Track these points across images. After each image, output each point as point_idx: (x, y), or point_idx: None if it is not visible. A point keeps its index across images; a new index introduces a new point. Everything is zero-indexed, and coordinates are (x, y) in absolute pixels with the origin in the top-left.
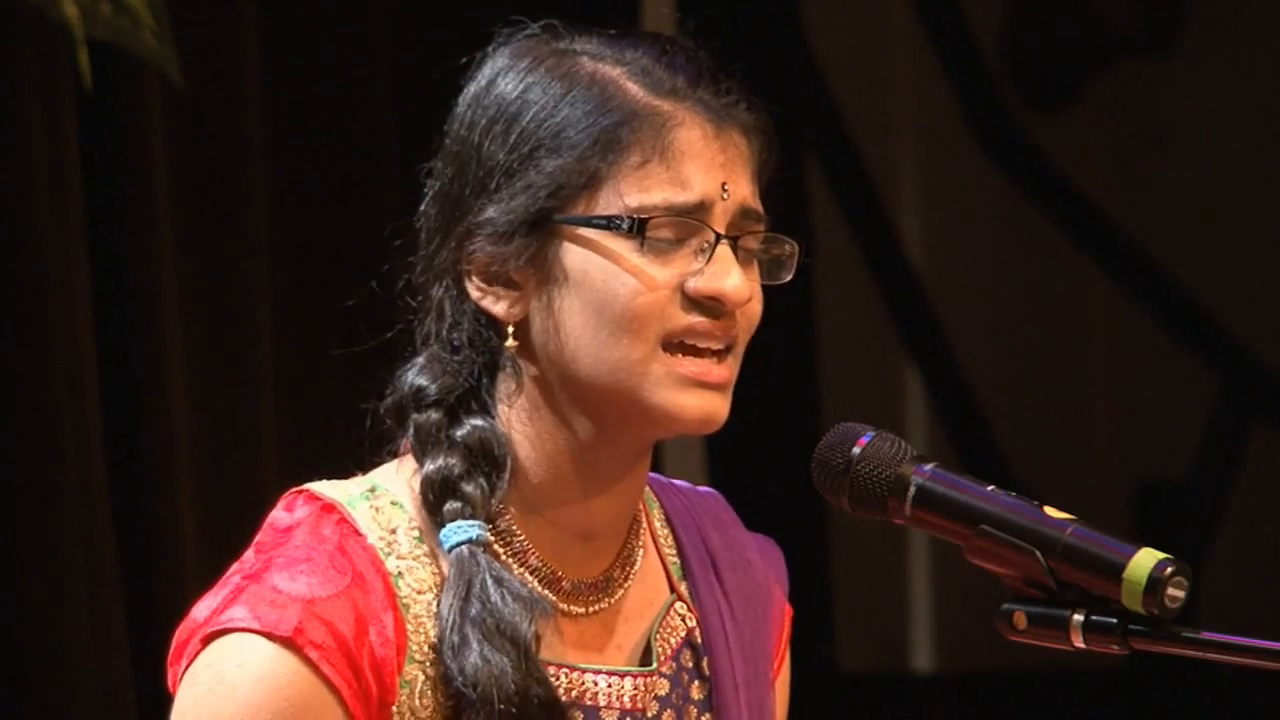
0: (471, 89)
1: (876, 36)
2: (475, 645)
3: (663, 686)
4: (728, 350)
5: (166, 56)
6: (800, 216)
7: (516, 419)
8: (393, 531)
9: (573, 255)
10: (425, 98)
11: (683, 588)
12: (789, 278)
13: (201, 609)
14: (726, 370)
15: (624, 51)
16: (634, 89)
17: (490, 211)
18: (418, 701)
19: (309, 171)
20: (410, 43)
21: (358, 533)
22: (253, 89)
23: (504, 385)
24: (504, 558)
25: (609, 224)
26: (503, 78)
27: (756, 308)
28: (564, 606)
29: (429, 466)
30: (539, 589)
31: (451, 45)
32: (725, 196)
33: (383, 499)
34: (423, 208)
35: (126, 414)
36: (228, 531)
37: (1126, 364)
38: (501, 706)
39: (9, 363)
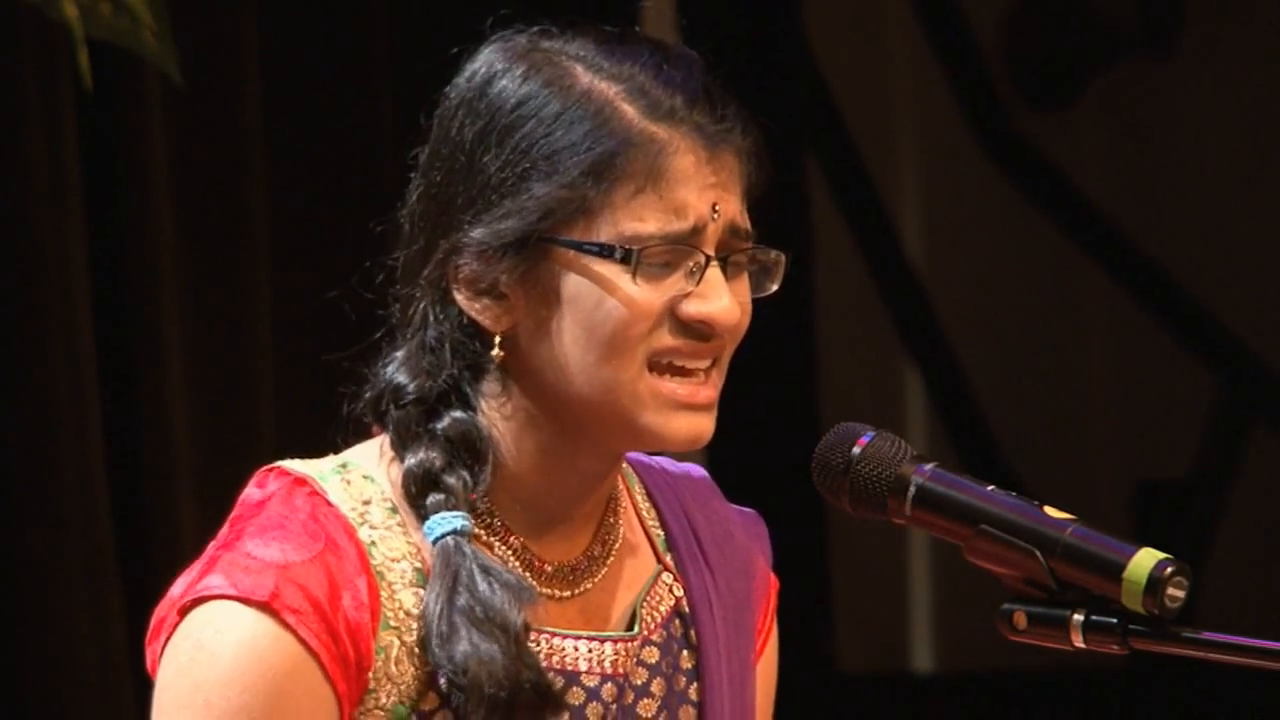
0: (463, 87)
1: (877, 37)
2: (464, 633)
3: (653, 654)
4: (714, 365)
5: (166, 56)
6: (800, 217)
7: (500, 418)
8: (365, 503)
9: (564, 277)
10: (425, 98)
11: (668, 559)
12: (775, 288)
13: (178, 585)
14: (712, 389)
15: (621, 64)
16: (629, 111)
17: (479, 231)
18: (394, 668)
19: (309, 171)
20: (410, 43)
21: (329, 503)
22: (253, 89)
23: (489, 386)
24: (485, 538)
25: (602, 251)
26: (497, 82)
27: (744, 321)
28: (548, 590)
29: (410, 460)
30: (520, 571)
31: (451, 45)
32: (715, 217)
33: (354, 473)
34: (410, 202)
35: (126, 414)
36: None
37: (1126, 364)
38: (491, 691)
39: (9, 363)
